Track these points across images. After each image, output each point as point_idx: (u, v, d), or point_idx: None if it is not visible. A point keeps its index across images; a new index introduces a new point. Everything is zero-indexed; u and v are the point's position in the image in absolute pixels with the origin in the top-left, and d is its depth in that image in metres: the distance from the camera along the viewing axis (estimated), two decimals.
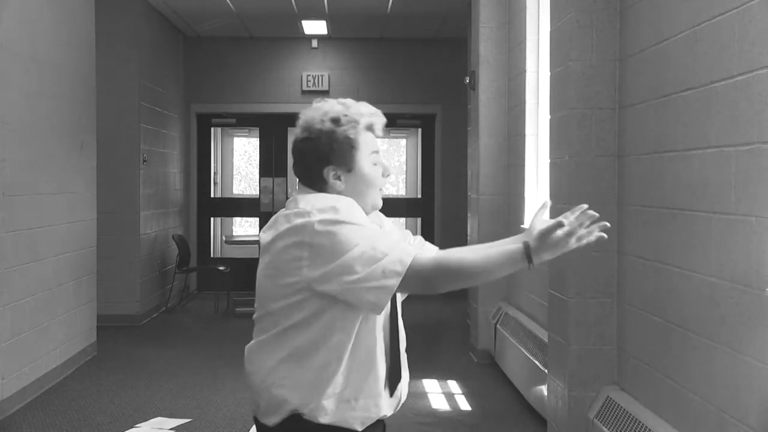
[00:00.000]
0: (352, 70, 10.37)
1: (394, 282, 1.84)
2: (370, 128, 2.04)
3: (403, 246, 1.91)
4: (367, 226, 1.91)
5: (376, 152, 2.04)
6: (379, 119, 2.06)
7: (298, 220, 1.89)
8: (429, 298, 9.92)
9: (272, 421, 1.96)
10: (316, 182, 2.00)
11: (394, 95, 10.38)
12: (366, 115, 2.04)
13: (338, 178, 2.00)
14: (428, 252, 2.09)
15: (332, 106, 2.04)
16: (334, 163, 1.98)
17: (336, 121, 2.00)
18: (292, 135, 2.06)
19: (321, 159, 1.98)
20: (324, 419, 1.94)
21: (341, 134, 1.98)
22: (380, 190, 2.07)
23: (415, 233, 9.53)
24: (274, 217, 2.00)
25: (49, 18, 5.78)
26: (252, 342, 2.03)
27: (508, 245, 1.92)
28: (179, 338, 7.74)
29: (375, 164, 2.04)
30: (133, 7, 8.20)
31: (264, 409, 1.98)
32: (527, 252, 1.84)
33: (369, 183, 2.03)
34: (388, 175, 2.07)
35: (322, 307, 1.90)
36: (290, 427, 1.95)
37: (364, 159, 2.01)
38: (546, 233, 1.84)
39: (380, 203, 2.08)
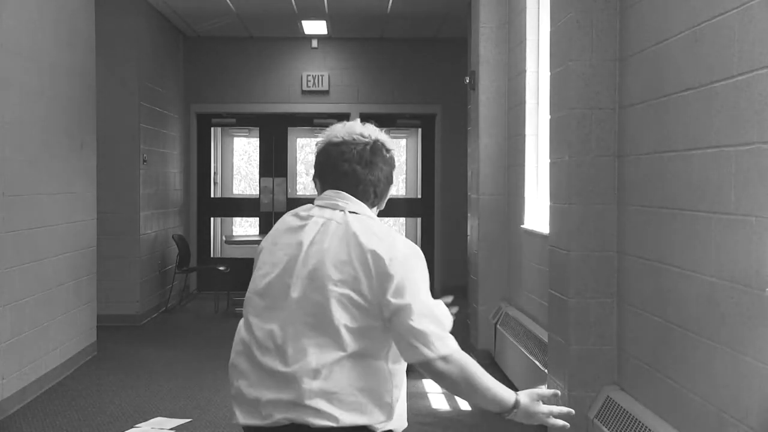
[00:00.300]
0: (352, 70, 10.37)
1: (432, 356, 1.91)
2: None
3: (448, 331, 1.98)
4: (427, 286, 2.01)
5: None
6: None
7: (385, 251, 1.94)
8: None
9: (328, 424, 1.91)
10: (369, 194, 2.09)
11: (394, 95, 10.37)
12: None
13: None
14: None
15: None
16: (392, 183, 2.16)
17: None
18: (349, 146, 2.07)
19: (390, 179, 2.13)
20: (387, 427, 1.98)
21: (395, 161, 2.16)
22: None
23: (415, 233, 9.50)
24: (342, 229, 1.98)
25: (49, 18, 5.78)
26: (319, 361, 1.91)
27: (505, 390, 2.00)
28: (179, 338, 7.74)
29: None
30: (133, 7, 8.20)
31: (320, 416, 1.91)
32: (514, 407, 1.98)
33: None
34: None
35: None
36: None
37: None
38: (537, 401, 2.01)
39: None
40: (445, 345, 1.93)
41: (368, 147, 2.07)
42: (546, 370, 4.63)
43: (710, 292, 3.00)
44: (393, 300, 1.91)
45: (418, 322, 1.91)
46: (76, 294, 6.32)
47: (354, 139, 2.07)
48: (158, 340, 7.60)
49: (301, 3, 8.52)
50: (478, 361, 2.00)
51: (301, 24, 9.51)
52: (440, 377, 1.94)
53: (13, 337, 5.16)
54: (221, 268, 9.40)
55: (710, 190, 3.01)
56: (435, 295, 1.98)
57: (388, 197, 2.16)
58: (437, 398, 5.59)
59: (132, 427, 4.88)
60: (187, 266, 9.57)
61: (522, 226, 6.00)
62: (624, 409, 3.74)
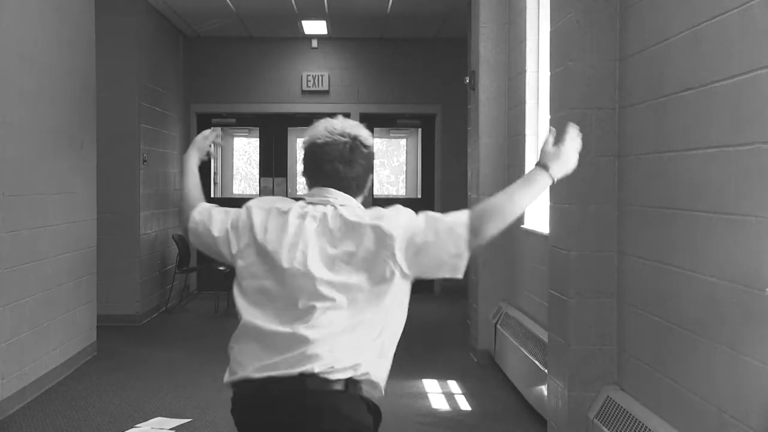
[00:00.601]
0: (352, 70, 10.37)
1: (465, 234, 2.16)
2: None
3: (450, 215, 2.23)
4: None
5: None
6: None
7: (381, 222, 2.19)
8: (428, 297, 9.93)
9: (337, 376, 2.11)
10: (352, 188, 2.32)
11: (394, 95, 10.37)
12: None
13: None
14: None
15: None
16: (371, 173, 2.41)
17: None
18: (331, 143, 2.27)
19: (370, 170, 2.37)
20: (376, 392, 2.20)
21: (373, 154, 2.40)
22: None
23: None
24: (340, 220, 2.22)
25: (49, 18, 5.78)
26: (331, 329, 2.13)
27: (533, 180, 2.29)
28: (179, 338, 7.74)
29: None
30: (133, 7, 8.20)
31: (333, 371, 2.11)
32: (544, 167, 2.29)
33: None
34: None
35: (400, 287, 2.19)
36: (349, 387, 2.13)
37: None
38: (551, 147, 2.36)
39: None
40: (461, 222, 2.18)
41: (347, 146, 2.29)
42: (546, 370, 4.63)
43: (710, 292, 3.00)
44: (409, 247, 2.16)
45: (432, 236, 2.17)
46: (76, 294, 6.32)
47: (335, 140, 2.29)
48: (158, 340, 7.60)
49: (301, 3, 8.52)
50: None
51: (301, 24, 9.51)
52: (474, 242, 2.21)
53: (13, 337, 5.16)
54: (221, 268, 9.37)
55: (710, 190, 3.01)
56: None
57: (369, 183, 2.40)
58: (437, 398, 5.59)
59: (132, 427, 4.88)
60: (187, 266, 9.57)
61: (522, 226, 6.00)
62: (624, 409, 3.74)
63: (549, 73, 4.49)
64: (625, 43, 3.93)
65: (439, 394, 5.69)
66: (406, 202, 10.81)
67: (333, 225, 2.23)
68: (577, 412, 4.08)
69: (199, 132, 2.73)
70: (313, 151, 2.32)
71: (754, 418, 2.69)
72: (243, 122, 10.76)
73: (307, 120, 9.47)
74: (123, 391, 5.70)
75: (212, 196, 10.69)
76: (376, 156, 2.39)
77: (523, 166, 6.00)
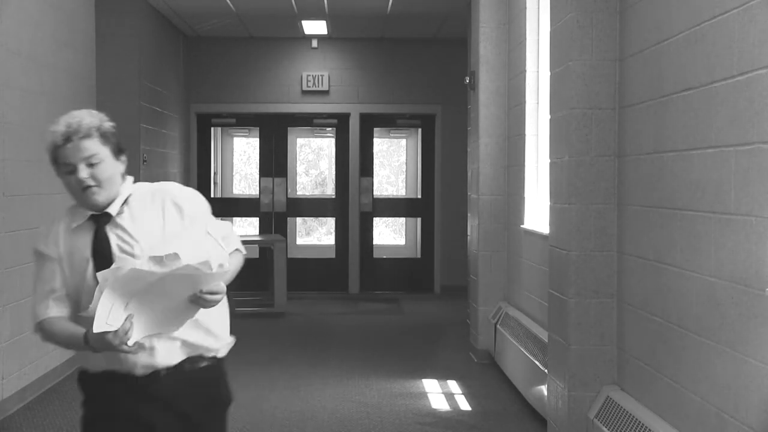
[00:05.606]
0: (352, 70, 10.37)
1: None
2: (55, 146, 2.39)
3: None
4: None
5: (66, 165, 2.46)
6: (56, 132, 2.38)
7: None
8: (428, 297, 9.93)
9: None
10: None
11: (394, 95, 10.37)
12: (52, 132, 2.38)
13: None
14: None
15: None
16: None
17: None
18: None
19: None
20: None
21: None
22: (85, 194, 2.46)
23: (415, 233, 9.51)
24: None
25: (49, 18, 5.78)
26: None
27: (79, 328, 2.30)
28: None
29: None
30: (134, 8, 8.19)
31: None
32: (86, 339, 2.23)
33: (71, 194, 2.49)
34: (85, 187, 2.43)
35: None
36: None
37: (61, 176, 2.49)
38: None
39: (90, 205, 2.49)
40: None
41: None
42: (546, 370, 4.63)
43: (710, 292, 3.00)
44: None
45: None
46: None
47: None
48: None
49: (301, 3, 8.52)
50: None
51: (301, 24, 9.51)
52: None
53: (13, 337, 5.16)
54: None
55: (710, 190, 3.01)
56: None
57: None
58: (437, 398, 5.59)
59: None
60: None
61: (522, 226, 6.00)
62: (624, 409, 3.74)
63: (549, 73, 4.49)
64: (625, 43, 3.93)
65: (439, 394, 5.69)
66: (406, 202, 10.88)
67: None
68: (577, 412, 4.08)
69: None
70: None
71: (754, 418, 2.69)
72: (243, 122, 10.76)
73: (307, 120, 9.56)
74: None
75: (212, 196, 10.69)
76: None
77: (523, 166, 6.00)
